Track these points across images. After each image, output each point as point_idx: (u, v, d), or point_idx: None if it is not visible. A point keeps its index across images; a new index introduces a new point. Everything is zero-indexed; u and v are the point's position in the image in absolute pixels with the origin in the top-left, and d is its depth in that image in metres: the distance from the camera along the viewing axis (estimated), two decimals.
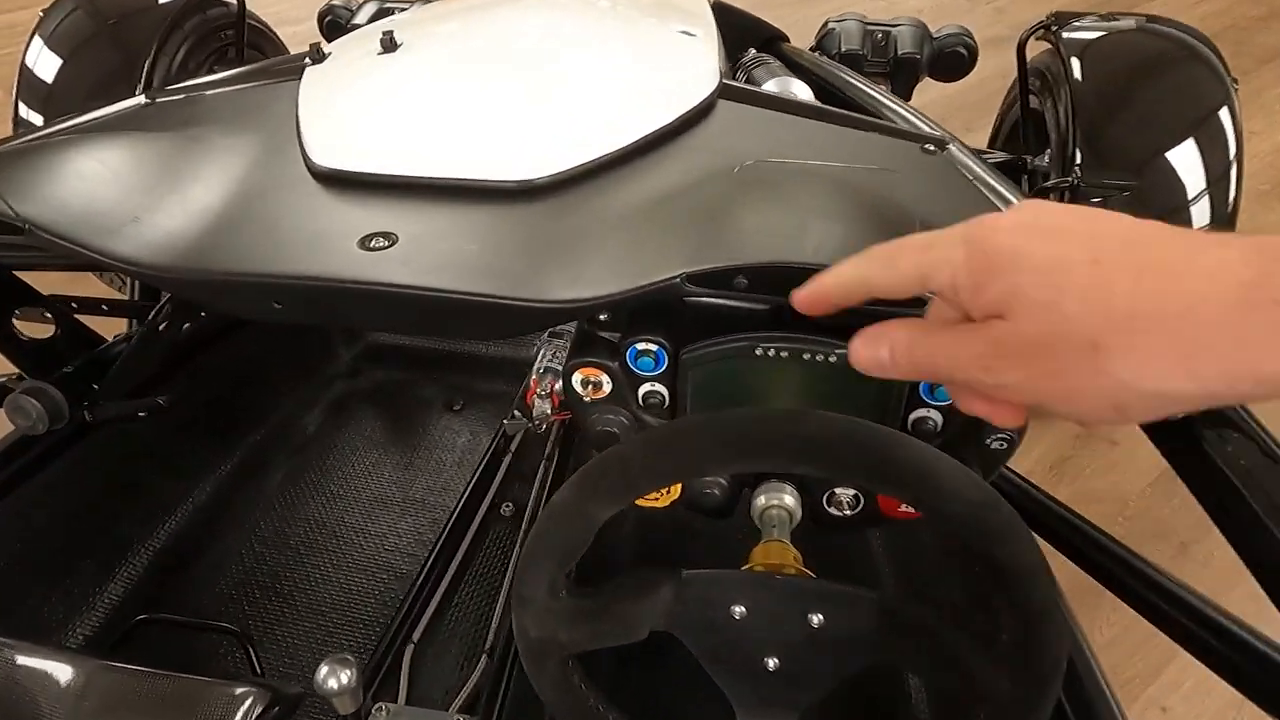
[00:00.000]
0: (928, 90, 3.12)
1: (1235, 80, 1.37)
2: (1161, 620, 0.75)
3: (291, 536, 1.40)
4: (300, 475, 1.50)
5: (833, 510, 0.73)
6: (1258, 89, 2.82)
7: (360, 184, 0.79)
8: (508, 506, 1.31)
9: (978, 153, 1.16)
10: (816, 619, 0.57)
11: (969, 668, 0.54)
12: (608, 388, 0.70)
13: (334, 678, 0.73)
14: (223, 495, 1.43)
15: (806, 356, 0.64)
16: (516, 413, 1.38)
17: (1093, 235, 0.35)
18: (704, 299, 0.69)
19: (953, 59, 1.62)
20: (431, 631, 1.09)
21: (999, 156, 1.62)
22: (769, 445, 0.48)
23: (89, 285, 1.75)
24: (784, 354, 0.64)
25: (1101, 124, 1.41)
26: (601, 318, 0.70)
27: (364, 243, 0.71)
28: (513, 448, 1.35)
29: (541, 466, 1.34)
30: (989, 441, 0.65)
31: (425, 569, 1.18)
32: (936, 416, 0.66)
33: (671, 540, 1.31)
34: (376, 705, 0.94)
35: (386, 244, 0.71)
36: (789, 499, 0.69)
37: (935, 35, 1.64)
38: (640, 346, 0.67)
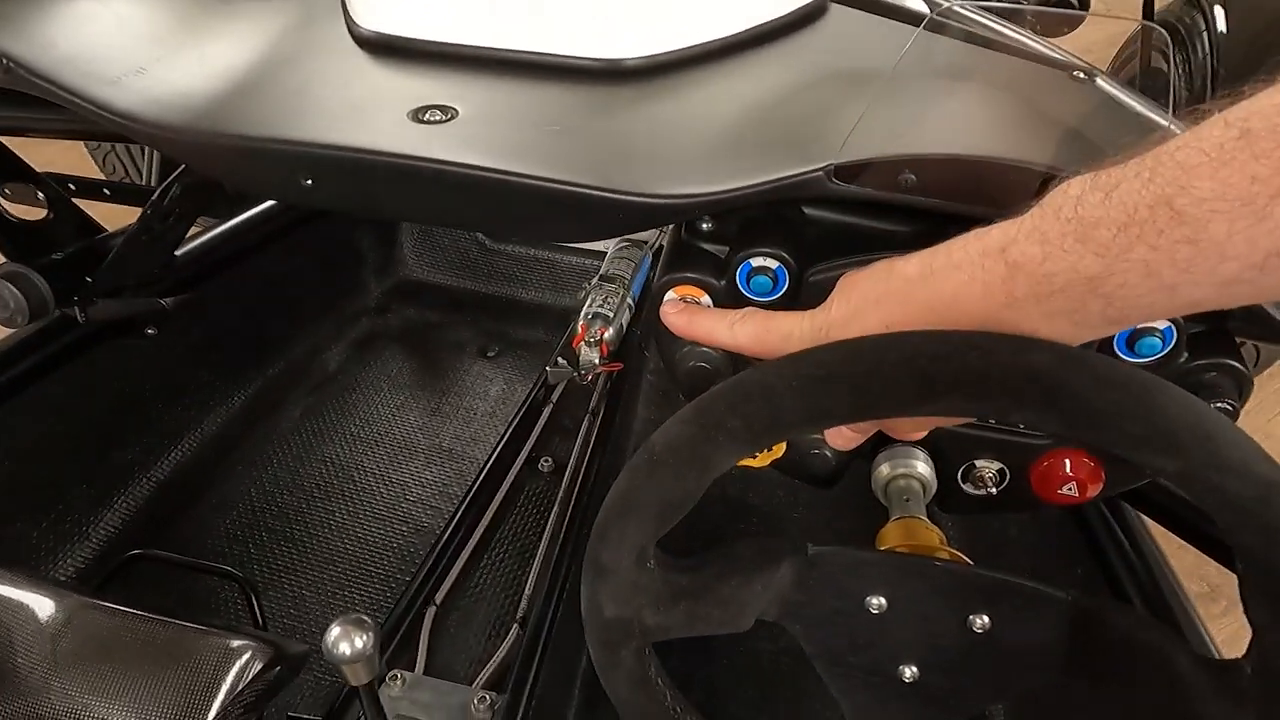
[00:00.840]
0: None
1: None
2: None
3: (306, 478, 1.28)
4: (319, 413, 1.38)
5: (968, 487, 0.59)
6: None
7: (413, 52, 0.66)
8: (546, 462, 1.18)
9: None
10: (981, 622, 0.43)
11: (1196, 706, 0.40)
12: None
13: (347, 641, 0.61)
14: (234, 428, 1.31)
15: None
16: (561, 360, 1.24)
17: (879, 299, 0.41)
18: (828, 215, 0.55)
19: (1061, 6, 1.46)
20: (456, 594, 0.96)
21: None
22: (986, 379, 0.34)
23: (92, 170, 1.62)
24: None
25: (1245, 82, 1.24)
26: (705, 225, 0.56)
27: (417, 114, 0.58)
28: (554, 398, 1.22)
29: (585, 421, 1.20)
30: None
31: (452, 524, 1.05)
32: None
33: (723, 514, 1.18)
34: (391, 673, 0.82)
35: (444, 118, 0.58)
36: (922, 467, 0.56)
37: None
38: (756, 262, 0.53)
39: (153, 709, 0.67)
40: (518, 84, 0.63)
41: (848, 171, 0.47)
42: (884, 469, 0.56)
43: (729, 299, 0.55)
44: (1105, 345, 0.51)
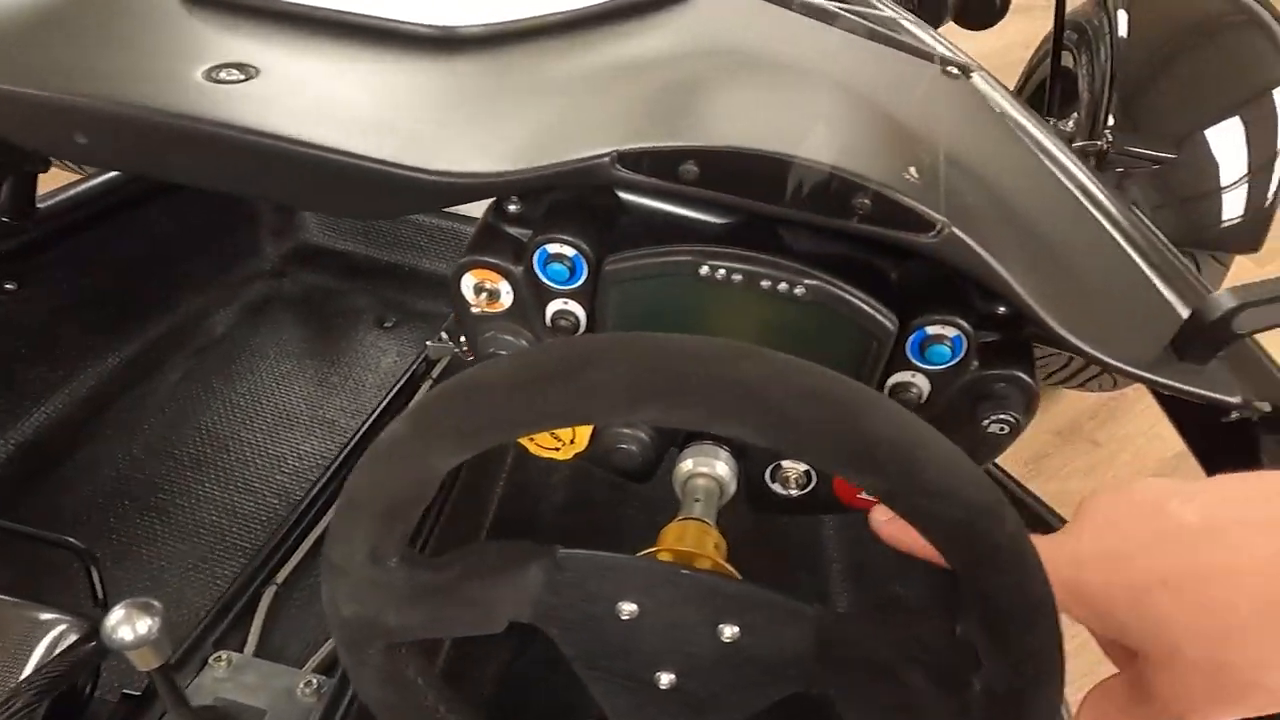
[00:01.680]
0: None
1: None
2: None
3: (178, 445, 1.23)
4: (199, 379, 1.33)
5: (776, 488, 0.58)
6: None
7: (230, 7, 0.62)
8: None
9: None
10: (730, 631, 0.42)
11: (925, 715, 0.40)
12: (507, 299, 0.54)
13: (129, 626, 0.58)
14: (106, 390, 1.26)
15: (765, 285, 0.48)
16: (444, 334, 1.21)
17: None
18: (644, 202, 0.54)
19: (983, 4, 1.45)
20: (301, 573, 0.93)
21: None
22: (686, 386, 0.33)
23: None
24: (736, 277, 0.48)
25: (1143, 87, 1.25)
26: (511, 207, 0.54)
27: (211, 73, 0.54)
28: (434, 374, 1.19)
29: None
30: (986, 421, 0.50)
31: (306, 500, 1.02)
32: (923, 383, 0.51)
33: (584, 503, 1.17)
34: (217, 654, 0.79)
35: (241, 77, 0.54)
36: (721, 467, 0.54)
37: None
38: (553, 249, 0.51)
39: None
40: (335, 48, 0.60)
41: (631, 159, 0.45)
42: (685, 465, 0.55)
43: (529, 286, 0.53)
44: (898, 350, 0.50)
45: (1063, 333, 0.47)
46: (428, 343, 1.16)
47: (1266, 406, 0.49)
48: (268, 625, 0.85)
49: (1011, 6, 1.62)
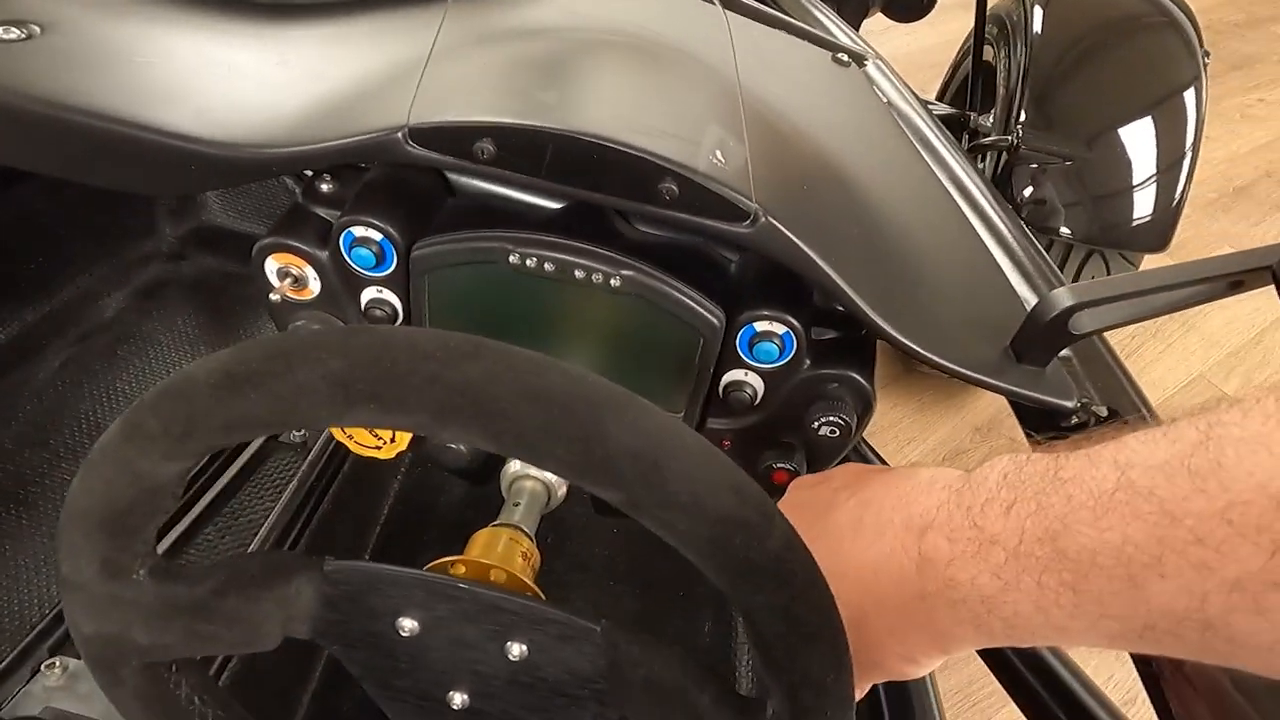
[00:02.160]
0: (885, 46, 2.94)
1: (1207, 54, 1.20)
2: (1000, 667, 0.59)
3: (54, 435, 1.17)
4: (82, 365, 1.26)
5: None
6: (1220, 95, 2.70)
7: None
8: (298, 432, 1.10)
9: (927, 104, 0.98)
10: (518, 649, 0.39)
11: None
12: (315, 286, 0.50)
13: None
14: None
15: (580, 275, 0.45)
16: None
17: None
18: (473, 184, 0.50)
19: None
20: None
21: (940, 109, 1.44)
22: (401, 387, 0.29)
23: None
24: (548, 266, 0.45)
25: (1056, 84, 1.24)
26: (324, 186, 0.50)
27: None
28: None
29: None
30: (816, 425, 0.47)
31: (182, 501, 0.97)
32: (756, 383, 0.48)
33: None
34: (50, 660, 0.74)
35: (22, 34, 0.49)
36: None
37: None
38: (359, 232, 0.47)
39: None
40: (131, 7, 0.55)
41: (423, 135, 0.42)
42: (513, 465, 0.51)
43: (338, 273, 0.49)
44: (730, 347, 0.47)
45: (891, 331, 0.44)
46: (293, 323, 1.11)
47: (1104, 410, 0.47)
48: None
49: (955, 2, 1.61)
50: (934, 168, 0.67)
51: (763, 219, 0.41)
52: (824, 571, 0.33)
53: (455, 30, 0.52)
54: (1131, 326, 1.89)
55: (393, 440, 0.54)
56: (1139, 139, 1.23)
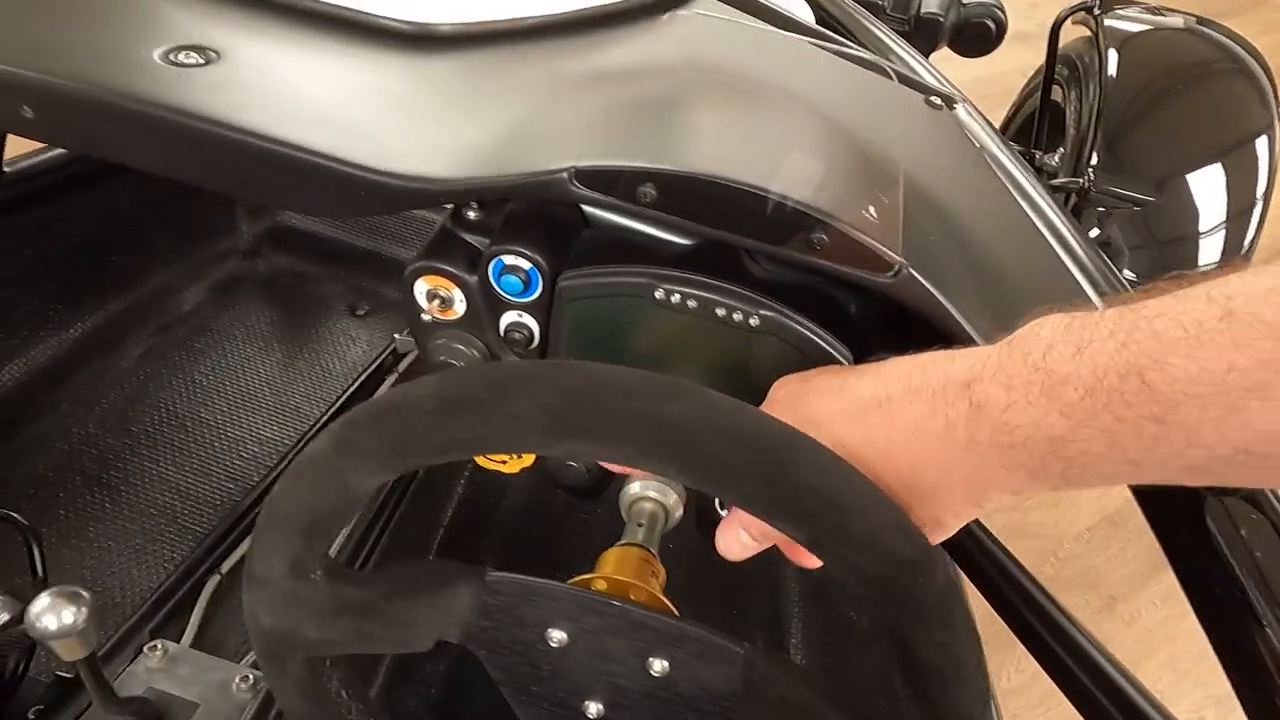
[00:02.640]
0: (942, 71, 2.95)
1: None
2: (1064, 678, 0.62)
3: (134, 422, 1.21)
4: (162, 355, 1.30)
5: (726, 514, 0.57)
6: None
7: None
8: None
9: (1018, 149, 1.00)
10: (660, 666, 0.41)
11: None
12: (460, 307, 0.53)
13: (53, 615, 0.56)
14: (63, 361, 1.23)
15: (721, 313, 0.48)
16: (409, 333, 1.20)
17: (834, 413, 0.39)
18: (609, 217, 0.53)
19: (978, 30, 1.45)
20: None
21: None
22: (612, 423, 0.32)
23: None
24: (691, 304, 0.47)
25: (1128, 128, 1.25)
26: (470, 214, 0.53)
27: (170, 54, 0.53)
28: (400, 368, 1.17)
29: None
30: None
31: (260, 488, 1.01)
32: None
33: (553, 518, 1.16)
34: (153, 643, 0.77)
35: (202, 61, 0.53)
36: (669, 493, 0.54)
37: (965, 2, 1.47)
38: (509, 260, 0.50)
39: None
40: (304, 37, 0.58)
41: (588, 177, 0.44)
42: (633, 488, 0.54)
43: (484, 296, 0.52)
44: None
45: None
46: (395, 335, 1.15)
47: None
48: (208, 616, 0.83)
49: (1011, 34, 1.63)
50: (1029, 211, 0.70)
51: (905, 271, 0.43)
52: (846, 449, 0.34)
53: (624, 64, 0.55)
54: None
55: (519, 456, 0.57)
56: (1209, 186, 1.24)
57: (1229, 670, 0.51)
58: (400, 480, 1.03)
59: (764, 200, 0.43)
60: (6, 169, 1.09)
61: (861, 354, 0.49)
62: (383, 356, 1.20)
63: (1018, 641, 0.72)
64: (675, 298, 0.47)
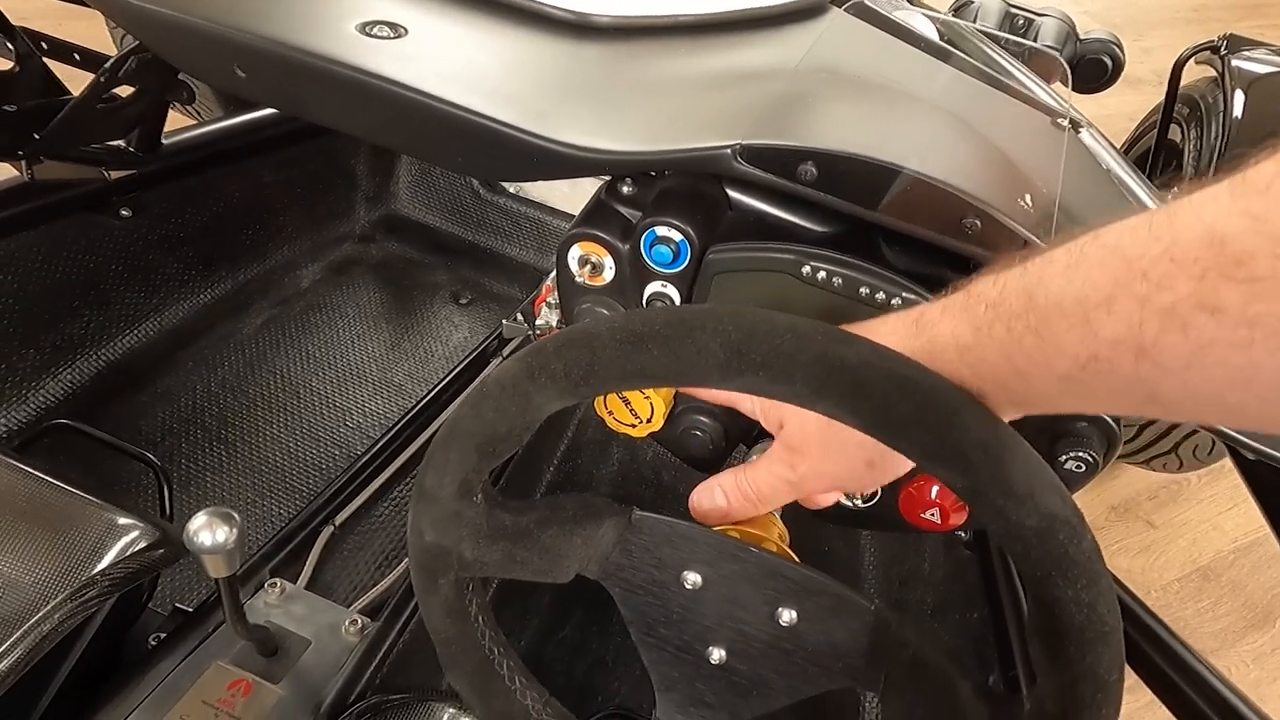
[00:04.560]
0: None
1: None
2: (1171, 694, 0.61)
3: (252, 385, 1.29)
4: (280, 326, 1.39)
5: (843, 498, 0.59)
6: None
7: None
8: None
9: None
10: (789, 615, 0.43)
11: None
12: (609, 273, 0.56)
13: (209, 532, 0.61)
14: (193, 324, 1.32)
15: (864, 292, 0.50)
16: (519, 315, 1.25)
17: None
18: (751, 201, 0.55)
19: (1095, 66, 1.44)
20: (357, 520, 0.97)
21: None
22: (792, 363, 0.34)
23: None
24: (836, 281, 0.50)
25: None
26: (624, 188, 0.56)
27: (365, 27, 0.58)
28: (505, 352, 1.22)
29: None
30: (1064, 458, 0.50)
31: (370, 452, 1.06)
32: None
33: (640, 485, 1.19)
34: (272, 580, 0.83)
35: (392, 34, 0.58)
36: None
37: (1082, 38, 1.46)
38: (661, 231, 0.53)
39: (27, 563, 0.68)
40: (479, 20, 0.63)
41: (753, 153, 0.47)
42: (752, 457, 0.56)
43: (632, 265, 0.55)
44: None
45: None
46: (504, 320, 1.19)
47: None
48: (321, 562, 0.88)
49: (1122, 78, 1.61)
50: None
51: None
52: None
53: (774, 62, 0.58)
54: None
55: (649, 421, 0.60)
56: None
57: None
58: None
59: (923, 184, 0.45)
60: (164, 142, 1.19)
61: None
62: (488, 341, 1.25)
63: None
64: (821, 275, 0.50)
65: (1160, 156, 1.43)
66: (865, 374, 0.34)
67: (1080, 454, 0.50)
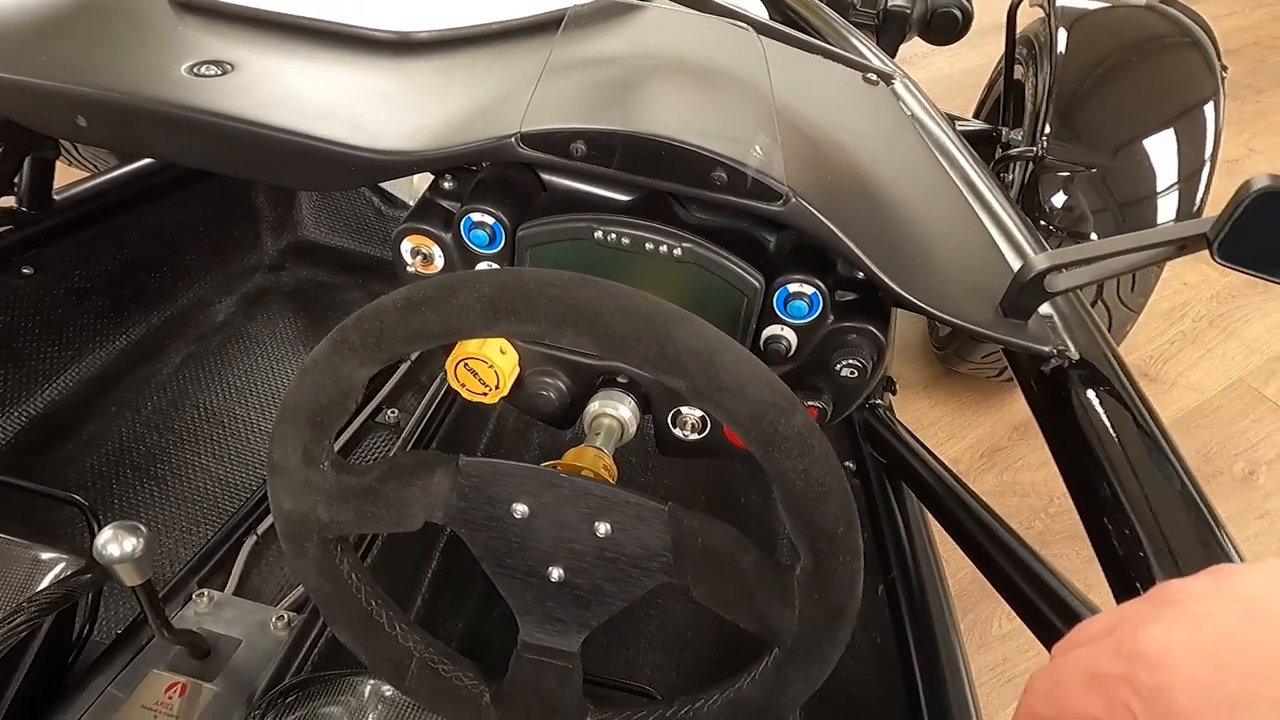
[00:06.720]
0: (928, 68, 3.00)
1: (1225, 68, 1.29)
2: (1037, 622, 0.68)
3: (177, 421, 1.33)
4: (199, 362, 1.43)
5: (678, 432, 0.67)
6: (1269, 108, 2.73)
7: (216, 13, 0.72)
8: (392, 413, 1.24)
9: (951, 118, 1.09)
10: (604, 528, 0.51)
11: (756, 600, 0.48)
12: (439, 261, 0.63)
13: (116, 544, 0.67)
14: (111, 370, 1.36)
15: (650, 247, 0.57)
16: None
17: None
18: (561, 181, 0.63)
19: (945, 20, 1.53)
20: None
21: (973, 126, 1.54)
22: (532, 305, 0.41)
23: None
24: (625, 240, 0.57)
25: (1080, 99, 1.33)
26: (445, 184, 0.63)
27: (193, 68, 0.64)
28: (412, 355, 1.28)
29: (440, 379, 1.27)
30: (839, 367, 0.58)
31: None
32: (790, 336, 0.60)
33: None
34: (199, 591, 0.88)
35: (217, 72, 0.64)
36: (624, 410, 0.63)
37: None
38: (476, 218, 0.60)
39: None
40: (304, 49, 0.69)
41: (531, 139, 0.54)
42: (594, 406, 0.63)
43: (458, 251, 0.62)
44: (768, 306, 0.59)
45: (901, 292, 0.55)
46: None
47: (1075, 355, 0.57)
48: (247, 569, 0.94)
49: (994, 24, 1.71)
50: (944, 163, 0.78)
51: (793, 199, 0.53)
52: None
53: (552, 58, 0.65)
54: (1169, 334, 1.92)
55: (497, 388, 0.67)
56: (1161, 150, 1.31)
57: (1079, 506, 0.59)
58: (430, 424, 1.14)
59: (670, 147, 0.53)
60: (56, 198, 1.22)
61: (772, 279, 0.58)
62: None
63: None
64: (612, 236, 0.57)
65: (1009, 96, 1.53)
66: (596, 308, 0.41)
67: (852, 361, 0.58)
